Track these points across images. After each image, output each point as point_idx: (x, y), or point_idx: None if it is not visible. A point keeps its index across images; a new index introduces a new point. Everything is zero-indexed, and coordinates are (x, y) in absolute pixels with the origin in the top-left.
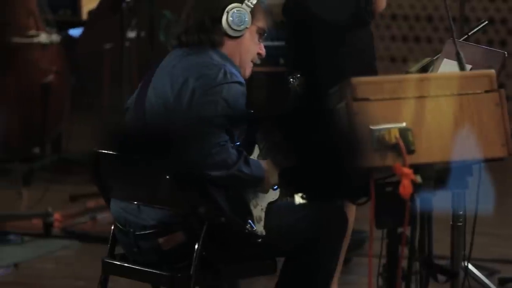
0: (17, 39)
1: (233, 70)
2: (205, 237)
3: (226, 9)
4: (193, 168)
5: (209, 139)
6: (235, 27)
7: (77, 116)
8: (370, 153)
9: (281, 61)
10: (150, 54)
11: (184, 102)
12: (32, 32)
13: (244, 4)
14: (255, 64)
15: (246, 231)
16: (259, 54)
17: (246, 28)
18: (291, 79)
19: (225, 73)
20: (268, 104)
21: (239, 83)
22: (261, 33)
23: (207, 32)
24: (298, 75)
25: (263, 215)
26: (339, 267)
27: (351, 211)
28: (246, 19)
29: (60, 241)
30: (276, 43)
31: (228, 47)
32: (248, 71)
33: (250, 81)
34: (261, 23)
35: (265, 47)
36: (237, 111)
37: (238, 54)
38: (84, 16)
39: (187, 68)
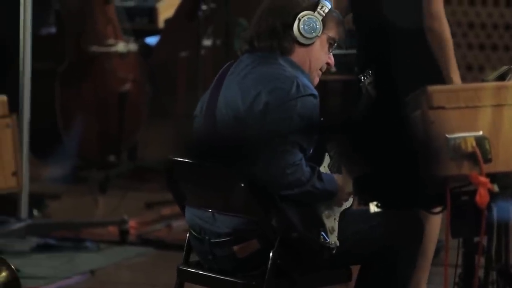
0: (95, 48)
1: (306, 82)
2: (279, 246)
3: (298, 16)
4: (267, 186)
5: (285, 158)
6: (306, 35)
7: (153, 124)
8: (446, 161)
9: (356, 69)
10: (226, 63)
11: (257, 116)
12: (111, 41)
13: (316, 12)
14: (330, 73)
15: (319, 243)
16: (328, 64)
17: (317, 36)
18: (362, 77)
19: (298, 86)
20: (342, 112)
21: (313, 95)
22: (331, 43)
23: (278, 38)
24: (370, 73)
25: (336, 225)
26: (425, 273)
27: (436, 219)
28: (318, 27)
29: (136, 248)
30: (350, 51)
31: (298, 54)
32: (316, 80)
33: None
34: (333, 32)
35: (340, 55)
36: (311, 125)
37: (307, 62)
38: (161, 24)
39: (259, 80)
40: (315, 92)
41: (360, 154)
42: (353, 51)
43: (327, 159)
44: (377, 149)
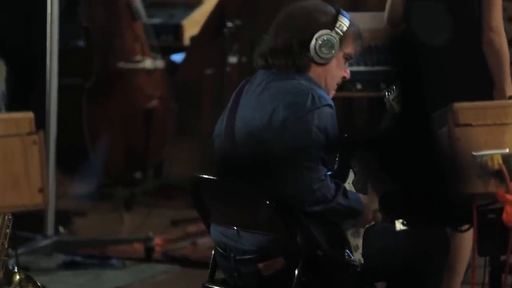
0: (122, 64)
1: (321, 93)
2: (304, 263)
3: (316, 35)
4: (292, 203)
5: (310, 174)
6: (323, 55)
7: (178, 141)
8: (472, 179)
9: (382, 86)
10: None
11: (276, 132)
12: (138, 57)
13: (334, 31)
14: (356, 90)
15: (344, 261)
16: (343, 77)
17: (334, 56)
18: (387, 93)
19: (313, 98)
20: (368, 129)
21: (329, 105)
22: (347, 58)
23: (294, 56)
24: (394, 88)
25: (360, 242)
26: None
27: (467, 237)
28: (335, 46)
29: (161, 266)
30: (376, 68)
31: (314, 72)
32: (332, 94)
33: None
34: (349, 49)
35: (365, 72)
36: (331, 135)
37: (323, 80)
38: (187, 41)
39: (275, 96)
40: (331, 102)
41: (385, 171)
42: (379, 67)
43: (351, 176)
44: (403, 166)
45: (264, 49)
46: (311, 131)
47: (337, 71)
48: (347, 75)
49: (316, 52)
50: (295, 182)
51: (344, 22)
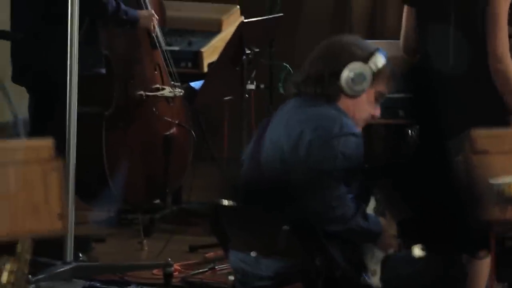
0: (142, 92)
1: (349, 121)
2: (323, 286)
3: (348, 66)
4: (312, 222)
5: (329, 192)
6: (353, 87)
7: (197, 167)
8: (490, 206)
9: (401, 113)
10: (269, 106)
11: (301, 155)
12: (157, 85)
13: (367, 65)
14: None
15: (362, 285)
16: (373, 116)
17: (365, 90)
18: (410, 131)
19: (341, 125)
20: (386, 155)
21: (355, 134)
22: (379, 97)
23: (324, 85)
24: (417, 127)
25: (379, 268)
26: None
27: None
28: (367, 80)
29: None
30: (395, 95)
31: (343, 103)
32: (359, 129)
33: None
34: (382, 87)
35: (385, 99)
36: (355, 163)
37: (352, 112)
38: (205, 68)
39: (303, 120)
40: (358, 131)
41: (404, 197)
42: (397, 95)
43: (372, 203)
44: (421, 193)
45: (297, 78)
46: (336, 156)
47: (367, 106)
48: (377, 114)
49: (346, 83)
50: (315, 200)
51: (379, 59)
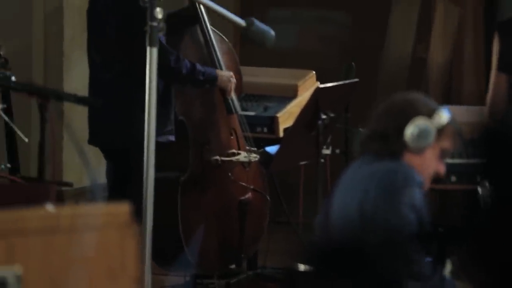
0: (218, 157)
1: (412, 173)
2: None
3: (413, 122)
4: (388, 282)
5: (402, 249)
6: (417, 143)
7: (273, 232)
8: None
9: (478, 179)
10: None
11: (368, 213)
12: (233, 150)
13: (432, 121)
14: (451, 182)
15: None
16: (438, 172)
17: (429, 145)
18: (480, 189)
19: (404, 177)
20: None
21: (419, 184)
22: (444, 153)
23: (389, 141)
24: (487, 185)
25: None
26: None
27: None
28: (431, 136)
29: None
30: (471, 161)
31: (408, 159)
32: (425, 187)
33: (445, 198)
34: (447, 144)
35: (461, 164)
36: (422, 215)
37: (416, 168)
38: (281, 133)
39: (366, 177)
40: (421, 180)
41: (481, 261)
42: (475, 160)
43: (449, 266)
44: (498, 257)
45: (362, 136)
46: (401, 209)
47: (432, 163)
48: (443, 171)
49: (411, 139)
50: (389, 259)
51: (443, 116)
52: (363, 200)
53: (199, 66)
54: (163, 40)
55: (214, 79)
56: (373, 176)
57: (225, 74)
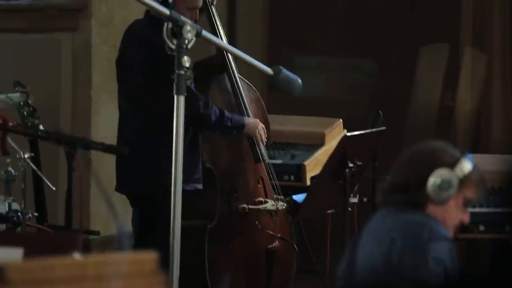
0: (245, 206)
1: (438, 226)
2: None
3: (435, 172)
4: None
5: None
6: (440, 194)
7: (300, 281)
8: None
9: (507, 228)
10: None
11: (394, 265)
12: (260, 198)
13: (454, 172)
14: (479, 231)
15: None
16: (462, 222)
17: (452, 196)
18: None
19: (430, 230)
20: (491, 269)
21: (446, 239)
22: (468, 203)
23: (411, 193)
24: None
25: None
26: None
27: None
28: (454, 187)
29: None
30: (499, 210)
31: (431, 210)
32: (451, 237)
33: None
34: (470, 193)
35: (489, 213)
36: (449, 271)
37: (440, 219)
38: (308, 182)
39: (391, 229)
40: (448, 235)
41: None
42: (503, 209)
43: None
44: None
45: (385, 186)
46: (427, 262)
47: (456, 213)
48: (467, 220)
49: (433, 190)
50: None
51: (466, 165)
52: (390, 251)
53: (227, 113)
54: (193, 86)
55: (242, 126)
56: (399, 228)
57: (253, 122)
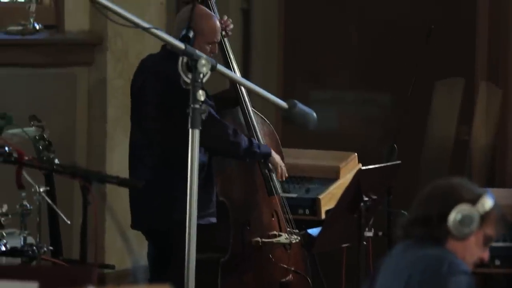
0: (259, 239)
1: (458, 261)
2: None
3: (456, 208)
4: None
5: None
6: (461, 230)
7: None
8: None
9: None
10: (387, 254)
11: None
12: (274, 232)
13: (475, 208)
14: (495, 266)
15: None
16: (481, 259)
17: (473, 232)
18: None
19: (449, 265)
20: None
21: (465, 273)
22: (488, 240)
23: (431, 228)
24: None
25: None
26: None
27: None
28: (474, 223)
29: None
30: None
31: (451, 246)
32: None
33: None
34: (491, 230)
35: (504, 247)
36: None
37: (460, 255)
38: (323, 215)
39: (411, 263)
40: (467, 269)
41: None
42: None
43: None
44: None
45: (405, 220)
46: None
47: (476, 249)
48: (486, 257)
49: (454, 225)
50: None
51: (487, 202)
52: (408, 285)
53: (254, 140)
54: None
55: (269, 153)
56: (418, 263)
57: (277, 156)
